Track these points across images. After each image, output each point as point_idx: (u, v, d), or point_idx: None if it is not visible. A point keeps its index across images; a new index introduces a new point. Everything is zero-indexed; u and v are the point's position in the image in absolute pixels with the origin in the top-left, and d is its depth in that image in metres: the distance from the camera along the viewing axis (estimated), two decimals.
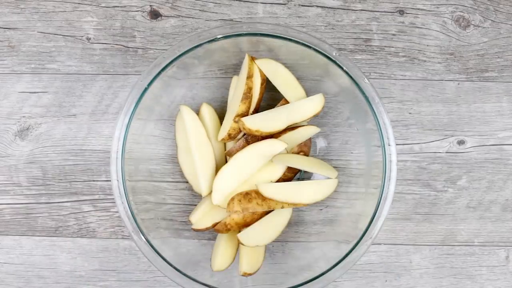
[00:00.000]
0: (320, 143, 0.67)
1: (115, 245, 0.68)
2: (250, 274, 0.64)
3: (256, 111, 0.64)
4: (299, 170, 0.66)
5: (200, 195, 0.66)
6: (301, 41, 0.59)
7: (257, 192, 0.61)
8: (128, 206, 0.59)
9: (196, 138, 0.64)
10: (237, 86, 0.64)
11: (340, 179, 0.65)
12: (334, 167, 0.65)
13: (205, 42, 0.59)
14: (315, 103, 0.63)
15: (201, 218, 0.64)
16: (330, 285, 0.59)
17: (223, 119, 0.65)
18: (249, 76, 0.61)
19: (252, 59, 0.62)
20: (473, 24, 0.69)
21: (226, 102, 0.66)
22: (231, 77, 0.66)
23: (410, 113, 0.69)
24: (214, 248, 0.65)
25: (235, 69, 0.67)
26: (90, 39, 0.69)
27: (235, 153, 0.62)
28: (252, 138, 0.63)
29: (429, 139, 0.69)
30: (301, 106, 0.63)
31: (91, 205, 0.68)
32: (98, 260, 0.68)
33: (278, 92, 0.64)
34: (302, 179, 0.67)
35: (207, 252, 0.66)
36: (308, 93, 0.65)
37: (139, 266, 0.68)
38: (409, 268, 0.69)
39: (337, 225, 0.66)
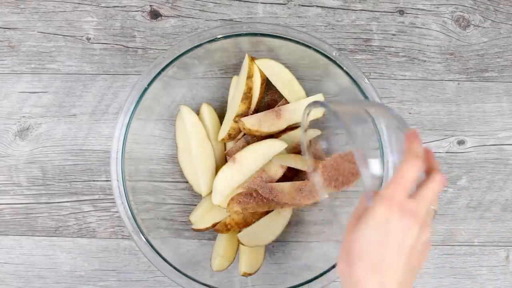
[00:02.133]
0: (321, 144, 0.67)
1: (115, 245, 0.68)
2: (250, 274, 0.64)
3: (256, 111, 0.64)
4: (299, 170, 0.66)
5: (200, 195, 0.66)
6: (301, 41, 0.59)
7: (257, 192, 0.61)
8: (128, 206, 0.59)
9: (196, 138, 0.64)
10: (237, 86, 0.64)
11: None
12: None
13: (205, 42, 0.59)
14: None
15: (201, 218, 0.64)
16: (330, 285, 0.59)
17: (223, 119, 0.65)
18: (249, 76, 0.61)
19: (252, 59, 0.62)
20: (473, 24, 0.69)
21: (226, 102, 0.66)
22: (231, 77, 0.66)
23: (410, 113, 0.69)
24: (214, 248, 0.65)
25: (235, 69, 0.67)
26: (90, 39, 0.69)
27: (235, 153, 0.62)
28: (252, 138, 0.63)
29: (429, 139, 0.69)
30: (301, 106, 0.63)
31: (91, 205, 0.68)
32: (98, 260, 0.68)
33: (278, 92, 0.64)
34: (302, 179, 0.67)
35: (207, 252, 0.66)
36: (308, 93, 0.65)
37: (139, 266, 0.68)
38: None
39: (337, 225, 0.66)
